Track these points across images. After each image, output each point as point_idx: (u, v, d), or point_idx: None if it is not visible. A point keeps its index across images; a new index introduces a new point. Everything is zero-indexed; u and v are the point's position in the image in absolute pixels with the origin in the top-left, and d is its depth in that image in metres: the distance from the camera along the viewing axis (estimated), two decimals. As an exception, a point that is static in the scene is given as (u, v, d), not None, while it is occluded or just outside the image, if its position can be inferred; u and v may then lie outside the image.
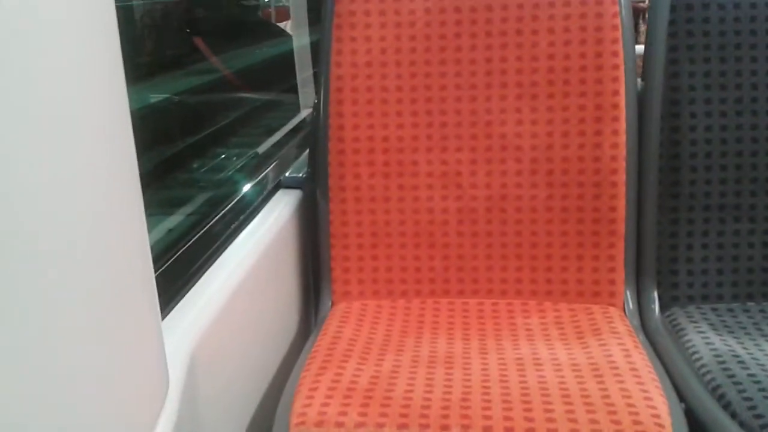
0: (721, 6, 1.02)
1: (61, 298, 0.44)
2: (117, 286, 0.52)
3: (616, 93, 1.04)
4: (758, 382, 0.81)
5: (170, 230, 0.84)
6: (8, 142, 0.39)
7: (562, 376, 0.84)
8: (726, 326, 0.96)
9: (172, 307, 0.75)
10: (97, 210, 0.48)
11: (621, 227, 1.04)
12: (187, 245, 0.85)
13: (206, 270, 0.85)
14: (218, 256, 0.88)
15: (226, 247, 0.91)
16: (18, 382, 0.40)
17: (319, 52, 1.11)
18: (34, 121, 0.41)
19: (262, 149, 1.26)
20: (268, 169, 1.15)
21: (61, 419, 0.44)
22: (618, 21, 1.04)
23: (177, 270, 0.80)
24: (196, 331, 0.72)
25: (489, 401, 0.80)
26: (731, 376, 0.83)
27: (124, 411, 0.53)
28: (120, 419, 0.53)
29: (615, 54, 1.04)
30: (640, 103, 1.06)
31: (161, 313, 0.71)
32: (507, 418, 0.77)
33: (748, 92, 1.03)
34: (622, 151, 1.04)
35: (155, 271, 0.73)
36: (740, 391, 0.80)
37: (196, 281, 0.81)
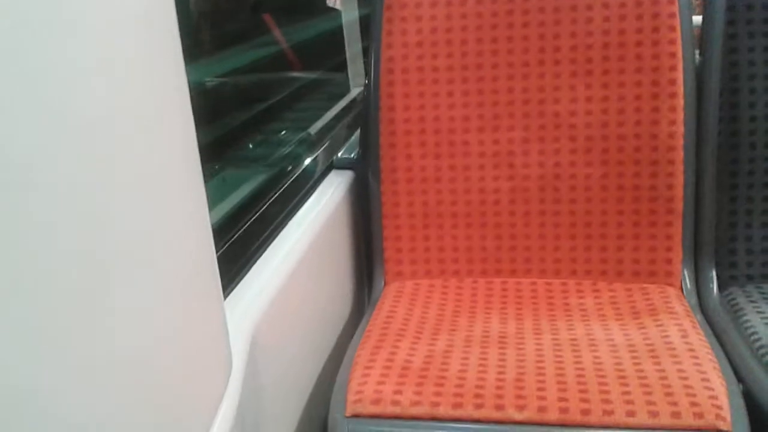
0: None
1: (130, 283, 0.46)
2: (181, 267, 0.53)
3: (673, 68, 1.01)
4: None
5: (225, 212, 0.86)
6: (82, 132, 0.40)
7: (618, 357, 0.84)
8: None
9: (233, 289, 0.77)
10: (160, 194, 0.50)
11: (679, 205, 1.02)
12: (245, 226, 0.86)
13: (263, 251, 0.86)
14: (274, 237, 0.90)
15: (281, 228, 0.93)
16: (86, 364, 0.42)
17: (369, 31, 1.11)
18: (99, 108, 0.42)
19: (314, 129, 1.27)
20: (321, 149, 1.16)
21: (127, 401, 0.46)
22: None
23: (236, 251, 0.82)
24: (256, 311, 0.74)
25: (543, 382, 0.80)
26: None
27: (190, 392, 0.55)
28: (186, 400, 0.55)
29: (672, 28, 1.01)
30: (698, 78, 1.03)
31: (226, 291, 0.73)
32: (562, 399, 0.77)
33: None
34: (680, 128, 1.01)
35: (219, 250, 0.75)
36: None
37: (255, 262, 0.83)
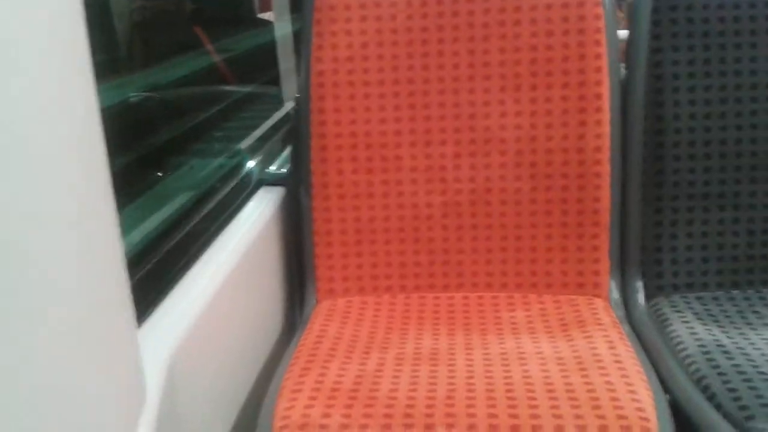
0: None
1: (27, 307, 0.43)
2: (88, 293, 0.51)
3: (599, 83, 1.03)
4: (743, 372, 0.81)
5: (144, 234, 0.83)
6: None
7: (547, 371, 0.84)
8: (711, 315, 0.96)
9: (150, 314, 0.74)
10: (66, 214, 0.47)
11: (605, 218, 1.04)
12: (165, 248, 0.83)
13: (185, 273, 0.83)
14: (198, 258, 0.87)
15: (206, 249, 0.90)
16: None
17: (299, 46, 1.09)
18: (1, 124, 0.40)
19: (243, 145, 1.24)
20: (250, 165, 1.14)
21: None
22: (600, 10, 1.03)
23: (155, 274, 0.79)
24: (174, 336, 0.72)
25: (473, 398, 0.79)
26: (716, 367, 0.83)
27: (97, 425, 0.52)
28: (95, 433, 0.52)
29: (598, 43, 1.03)
30: (624, 92, 1.05)
31: (139, 319, 0.70)
32: (491, 416, 0.77)
33: (732, 80, 1.03)
34: (606, 142, 1.03)
35: (132, 277, 0.72)
36: (725, 382, 0.80)
37: (175, 285, 0.80)
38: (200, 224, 0.93)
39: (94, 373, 0.52)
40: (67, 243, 0.47)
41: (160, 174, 1.07)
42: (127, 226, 0.82)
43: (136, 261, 0.77)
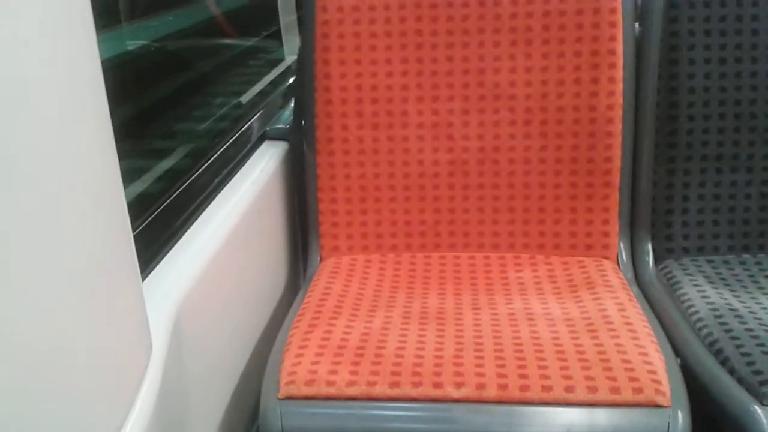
0: None
1: (30, 263, 0.41)
2: (91, 244, 0.49)
3: (613, 38, 1.00)
4: (756, 337, 0.79)
5: (145, 188, 0.80)
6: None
7: (556, 332, 0.83)
8: (722, 279, 0.95)
9: (153, 267, 0.71)
10: (68, 165, 0.45)
11: (616, 178, 1.01)
12: (167, 202, 0.81)
13: (188, 227, 0.81)
14: (201, 212, 0.85)
15: (209, 203, 0.88)
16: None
17: (303, -4, 1.05)
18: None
19: (245, 99, 1.21)
20: (253, 119, 1.11)
21: (37, 390, 0.42)
22: None
23: (158, 228, 0.77)
24: (179, 291, 0.70)
25: (482, 358, 0.78)
26: (728, 331, 0.81)
27: (105, 380, 0.51)
28: (100, 388, 0.50)
29: None
30: (638, 49, 1.02)
31: (143, 272, 0.68)
32: (500, 375, 0.75)
33: (749, 38, 1.00)
34: (619, 100, 1.00)
35: (135, 230, 0.70)
36: (738, 347, 0.78)
37: (178, 239, 0.78)
38: (203, 177, 0.91)
39: (99, 325, 0.50)
40: (69, 194, 0.45)
41: (160, 126, 1.03)
42: (129, 178, 0.79)
43: (139, 212, 0.75)
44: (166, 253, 0.75)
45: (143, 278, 0.69)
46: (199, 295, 0.74)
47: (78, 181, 0.47)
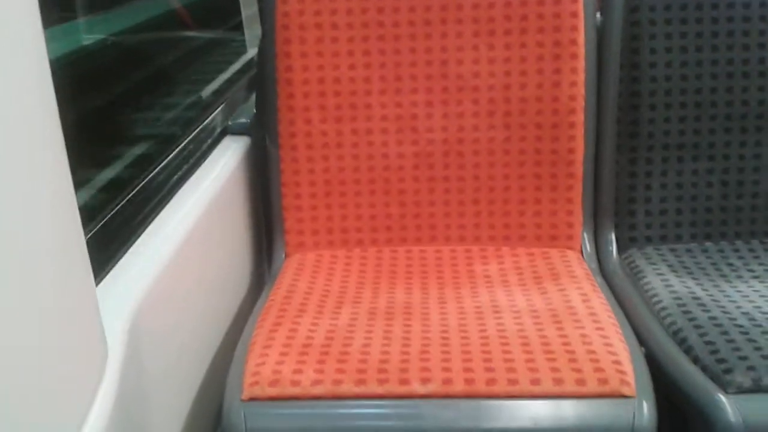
0: None
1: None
2: (40, 249, 0.47)
3: (574, 28, 1.00)
4: (719, 325, 0.80)
5: (102, 186, 0.78)
6: None
7: (521, 324, 0.83)
8: (685, 267, 0.96)
9: (109, 270, 0.69)
10: (16, 166, 0.43)
11: (579, 169, 1.02)
12: (124, 201, 0.79)
13: (146, 227, 0.79)
14: (159, 211, 0.83)
15: (168, 201, 0.86)
16: None
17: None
18: None
19: (205, 93, 1.18)
20: (213, 114, 1.09)
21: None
22: None
23: (113, 229, 0.75)
24: (136, 292, 0.68)
25: (449, 353, 0.78)
26: (692, 320, 0.82)
27: (57, 389, 0.49)
28: (52, 399, 0.48)
29: None
30: (600, 39, 1.02)
31: (97, 275, 0.66)
32: (467, 370, 0.75)
33: (709, 26, 1.00)
34: (581, 90, 1.00)
35: (89, 232, 0.68)
36: (701, 335, 0.79)
37: (135, 240, 0.76)
38: (161, 174, 0.88)
39: (51, 332, 0.48)
40: (17, 197, 0.43)
41: (117, 121, 1.01)
42: (83, 177, 0.77)
43: (92, 214, 0.73)
44: (123, 255, 0.73)
45: (99, 281, 0.67)
46: (158, 296, 0.72)
47: (26, 184, 0.45)
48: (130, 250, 0.74)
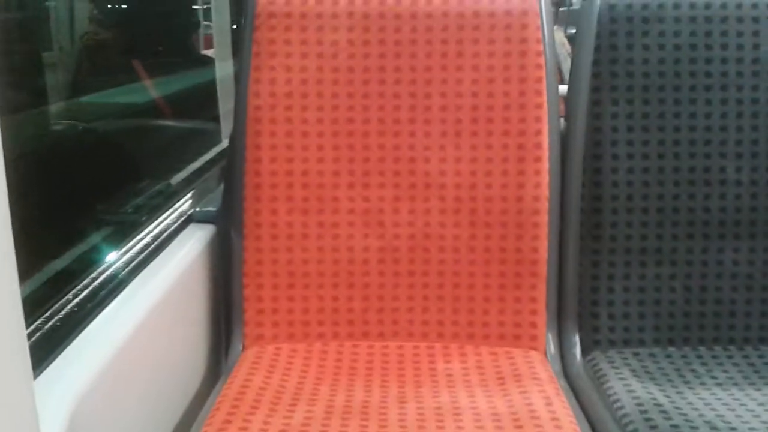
0: (646, 47, 1.03)
1: None
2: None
3: (539, 133, 1.02)
4: None
5: (55, 274, 0.76)
6: None
7: (482, 427, 0.80)
8: (648, 372, 0.95)
9: (51, 361, 0.67)
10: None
11: (543, 269, 1.02)
12: (75, 288, 0.77)
13: (97, 315, 0.77)
14: (113, 299, 0.81)
15: (124, 288, 0.84)
16: None
17: (237, 80, 1.06)
18: None
19: (175, 180, 1.19)
20: (180, 201, 1.08)
21: None
22: (542, 60, 1.03)
23: (63, 318, 0.72)
24: (78, 386, 0.65)
25: None
26: (654, 428, 0.80)
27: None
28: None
29: (538, 93, 1.02)
30: (563, 143, 1.04)
31: (37, 369, 0.63)
32: None
33: (671, 135, 1.03)
34: (545, 192, 1.02)
35: (33, 322, 0.66)
36: None
37: (84, 329, 0.73)
38: (118, 261, 0.87)
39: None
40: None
41: (78, 207, 1.00)
42: (33, 266, 0.75)
43: (39, 304, 0.71)
44: (68, 346, 0.70)
45: (39, 372, 0.64)
46: (103, 388, 0.69)
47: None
48: (76, 340, 0.71)
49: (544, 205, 1.01)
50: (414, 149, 1.03)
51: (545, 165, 1.02)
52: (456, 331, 1.03)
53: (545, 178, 1.02)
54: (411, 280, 1.03)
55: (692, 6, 1.02)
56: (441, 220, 1.03)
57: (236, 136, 1.04)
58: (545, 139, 1.02)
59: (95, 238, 0.93)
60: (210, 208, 1.11)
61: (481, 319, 1.02)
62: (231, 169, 1.05)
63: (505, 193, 1.02)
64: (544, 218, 1.01)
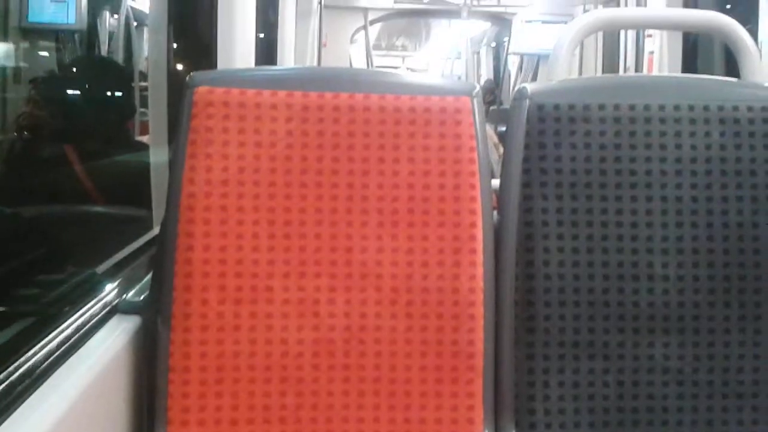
0: (573, 145, 1.07)
1: None
2: None
3: (473, 224, 1.04)
4: None
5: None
6: None
7: None
8: None
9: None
10: None
11: (479, 362, 1.01)
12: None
13: (10, 414, 0.71)
14: (26, 399, 0.75)
15: (38, 387, 0.78)
16: None
17: (171, 167, 1.04)
18: None
19: (101, 269, 1.14)
20: (104, 291, 1.04)
21: None
22: (475, 155, 1.05)
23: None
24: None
25: None
26: None
27: None
28: None
29: (473, 186, 1.04)
30: (497, 236, 1.06)
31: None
32: None
33: (599, 230, 1.06)
34: (480, 283, 1.02)
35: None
36: None
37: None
38: (33, 357, 0.81)
39: None
40: None
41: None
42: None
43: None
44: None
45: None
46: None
47: None
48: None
49: (480, 297, 1.02)
50: (351, 239, 1.03)
51: (480, 257, 1.03)
52: (392, 429, 1.00)
53: (480, 270, 1.02)
54: (346, 374, 1.00)
55: (616, 107, 1.08)
56: (377, 310, 1.02)
57: (168, 223, 1.02)
58: (479, 231, 1.03)
59: (11, 331, 0.87)
60: (136, 299, 1.06)
61: (418, 415, 1.00)
62: (161, 257, 1.02)
63: (441, 284, 1.02)
64: (479, 310, 1.01)
